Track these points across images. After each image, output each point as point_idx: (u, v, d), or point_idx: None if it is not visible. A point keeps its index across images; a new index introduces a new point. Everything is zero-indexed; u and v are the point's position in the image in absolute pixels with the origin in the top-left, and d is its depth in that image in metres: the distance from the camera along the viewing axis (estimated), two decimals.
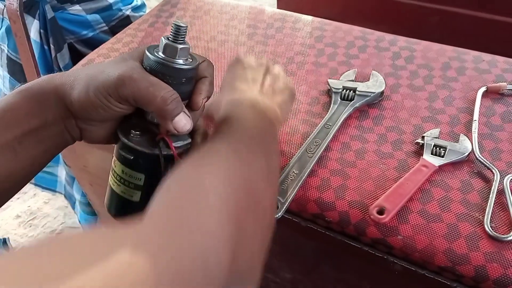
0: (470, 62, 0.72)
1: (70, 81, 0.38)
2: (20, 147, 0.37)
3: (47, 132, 0.38)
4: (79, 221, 1.26)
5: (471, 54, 0.73)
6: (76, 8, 0.98)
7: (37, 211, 1.62)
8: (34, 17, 0.93)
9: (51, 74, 0.40)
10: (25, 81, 0.99)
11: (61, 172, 1.16)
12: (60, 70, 0.97)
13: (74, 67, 0.38)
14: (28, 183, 1.24)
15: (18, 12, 0.67)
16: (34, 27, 0.93)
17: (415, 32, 0.86)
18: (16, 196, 1.69)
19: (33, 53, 0.71)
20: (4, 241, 0.58)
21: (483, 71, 0.70)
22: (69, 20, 0.98)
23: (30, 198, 1.67)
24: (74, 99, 0.37)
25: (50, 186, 1.21)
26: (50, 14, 0.93)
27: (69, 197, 1.22)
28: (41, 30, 0.94)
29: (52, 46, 0.95)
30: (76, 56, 0.99)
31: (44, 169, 1.19)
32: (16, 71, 1.00)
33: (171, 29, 0.39)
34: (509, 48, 0.83)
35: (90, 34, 1.01)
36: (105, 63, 0.38)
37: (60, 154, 1.07)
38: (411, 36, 0.79)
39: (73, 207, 1.24)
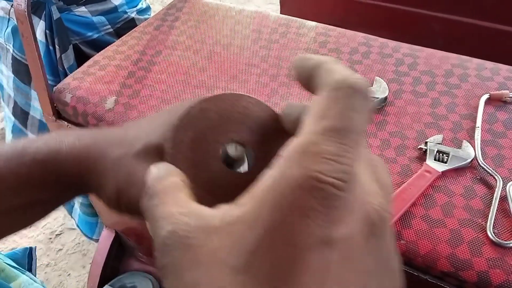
0: (473, 70, 0.72)
1: (98, 172, 0.32)
2: (30, 210, 0.34)
3: (64, 199, 0.36)
4: (77, 225, 1.26)
5: (474, 62, 0.74)
6: (82, 10, 0.99)
7: None
8: (40, 18, 0.94)
9: (75, 144, 0.33)
10: (29, 81, 1.00)
11: None
12: (64, 70, 0.97)
13: (94, 132, 0.33)
14: None
15: (26, 13, 0.67)
16: (40, 28, 0.94)
17: (418, 39, 0.87)
18: None
19: (39, 54, 0.72)
20: (30, 252, 0.57)
21: (486, 78, 0.71)
22: (75, 21, 0.99)
23: None
24: (103, 196, 0.32)
25: None
26: (56, 15, 0.94)
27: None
28: (47, 31, 0.95)
29: (57, 47, 0.96)
30: (80, 57, 0.99)
31: None
32: (21, 71, 1.00)
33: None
34: (511, 56, 0.84)
35: (95, 36, 1.02)
36: (133, 154, 0.31)
37: None
38: (414, 43, 0.80)
39: (70, 212, 1.24)
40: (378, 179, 0.22)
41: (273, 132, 0.26)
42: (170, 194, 0.21)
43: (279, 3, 1.32)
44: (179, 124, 0.26)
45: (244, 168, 0.26)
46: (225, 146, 0.25)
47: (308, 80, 0.23)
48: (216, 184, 0.24)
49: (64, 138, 0.33)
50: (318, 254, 0.17)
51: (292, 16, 0.90)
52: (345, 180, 0.18)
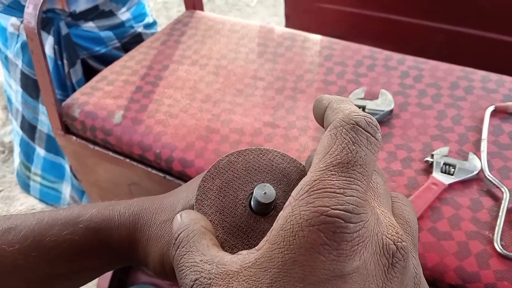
0: (478, 82, 0.73)
1: (144, 240, 0.32)
2: (76, 277, 0.34)
3: (110, 268, 0.36)
4: None
5: (479, 74, 0.74)
6: (90, 25, 1.01)
7: None
8: (49, 33, 0.95)
9: (124, 217, 0.34)
10: (37, 95, 1.01)
11: (66, 189, 1.16)
12: (72, 85, 0.99)
13: (140, 201, 0.34)
14: (34, 198, 1.23)
15: (36, 30, 0.69)
16: (48, 43, 0.95)
17: (422, 51, 0.87)
18: (24, 209, 1.70)
19: (49, 70, 0.73)
20: None
21: (491, 90, 0.71)
22: (83, 36, 1.01)
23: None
24: (150, 264, 0.33)
25: (54, 202, 1.21)
26: (64, 30, 0.95)
27: None
28: (55, 46, 0.96)
29: (65, 62, 0.97)
30: (88, 71, 1.01)
31: (49, 184, 1.19)
32: (29, 86, 1.02)
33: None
34: None
35: (103, 50, 1.04)
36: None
37: (67, 168, 1.08)
38: (418, 55, 0.80)
39: None
40: (399, 214, 0.23)
41: (298, 181, 0.27)
42: (193, 242, 0.23)
43: (283, 15, 1.33)
44: (208, 174, 0.28)
45: (268, 214, 0.27)
46: (251, 193, 0.27)
47: (322, 121, 0.24)
48: (240, 228, 0.26)
49: (116, 207, 0.34)
50: None
51: (297, 28, 0.92)
52: (353, 211, 0.18)
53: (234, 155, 0.29)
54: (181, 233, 0.23)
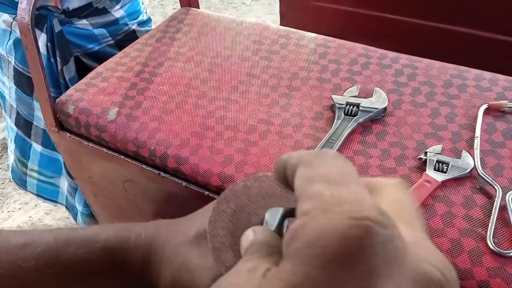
0: (472, 80, 0.73)
1: (157, 262, 0.32)
2: None
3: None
4: None
5: (472, 72, 0.75)
6: (83, 23, 1.00)
7: (38, 222, 1.62)
8: (42, 31, 0.95)
9: (139, 237, 0.33)
10: (31, 92, 1.01)
11: (63, 183, 1.16)
12: (65, 82, 0.98)
13: (154, 225, 0.34)
14: (30, 194, 1.23)
15: (30, 26, 0.68)
16: (41, 40, 0.95)
17: (417, 49, 0.88)
18: (17, 206, 1.69)
19: (43, 66, 0.73)
20: None
21: (484, 89, 0.71)
22: (76, 33, 1.00)
23: (31, 209, 1.67)
24: (161, 286, 0.33)
25: (51, 197, 1.21)
26: (57, 28, 0.95)
27: (71, 208, 1.22)
28: (48, 43, 0.96)
29: (58, 59, 0.97)
30: (82, 69, 1.00)
31: (46, 179, 1.18)
32: (22, 83, 1.01)
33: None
34: (509, 66, 0.85)
35: (96, 48, 1.03)
36: (188, 255, 0.31)
37: (63, 164, 1.07)
38: (413, 54, 0.81)
39: (75, 218, 1.25)
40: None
41: None
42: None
43: (279, 14, 1.33)
44: (223, 196, 0.28)
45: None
46: (264, 217, 0.25)
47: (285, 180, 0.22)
48: None
49: (132, 228, 0.34)
50: None
51: (292, 26, 0.92)
52: (383, 216, 0.15)
53: (250, 180, 0.28)
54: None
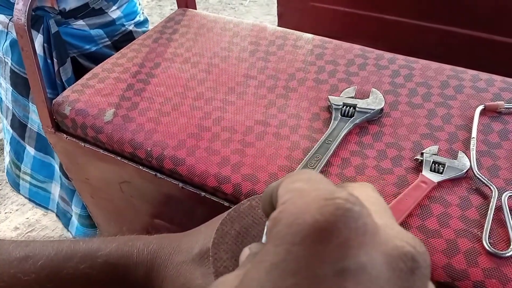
0: (468, 81, 0.73)
1: (160, 280, 0.32)
2: None
3: None
4: (74, 237, 1.25)
5: (469, 73, 0.75)
6: (80, 23, 1.00)
7: (36, 223, 1.61)
8: (38, 32, 0.95)
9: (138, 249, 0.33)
10: (27, 93, 1.00)
11: (55, 189, 1.15)
12: (62, 83, 0.98)
13: (154, 240, 0.33)
14: (23, 197, 1.21)
15: (26, 27, 0.68)
16: (38, 41, 0.95)
17: (413, 50, 0.88)
18: (15, 208, 1.69)
19: (39, 67, 0.73)
20: None
21: (481, 89, 0.71)
22: (73, 34, 1.00)
23: (28, 210, 1.66)
24: None
25: (42, 203, 1.19)
26: (54, 28, 0.95)
27: (62, 216, 1.20)
28: (45, 44, 0.95)
29: (55, 60, 0.96)
30: (78, 70, 1.00)
31: (38, 184, 1.17)
32: (19, 84, 1.01)
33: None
34: (505, 67, 0.85)
35: (93, 49, 1.03)
36: (188, 270, 0.31)
37: (57, 168, 1.07)
38: (410, 55, 0.81)
39: (67, 225, 1.23)
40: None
41: None
42: None
43: (276, 14, 1.33)
44: (227, 217, 0.27)
45: None
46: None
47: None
48: None
49: (135, 243, 0.34)
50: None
51: (289, 27, 0.92)
52: (354, 197, 0.16)
53: (256, 199, 0.27)
54: None
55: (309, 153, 0.63)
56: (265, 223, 0.26)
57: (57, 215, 1.22)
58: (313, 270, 0.15)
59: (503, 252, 0.50)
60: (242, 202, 0.27)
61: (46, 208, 1.21)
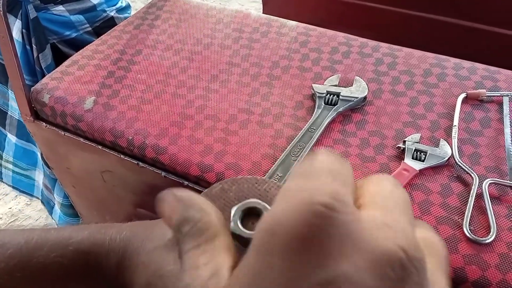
0: (451, 69, 0.73)
1: (132, 268, 0.31)
2: None
3: None
4: (58, 225, 1.24)
5: (452, 61, 0.75)
6: (60, 9, 0.97)
7: (19, 213, 1.59)
8: (16, 17, 0.92)
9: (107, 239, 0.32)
10: (6, 80, 0.98)
11: (39, 176, 1.13)
12: (42, 70, 0.96)
13: (128, 227, 0.32)
14: (6, 185, 1.19)
15: (2, 13, 0.66)
16: (16, 27, 0.92)
17: (397, 38, 0.88)
18: None
19: (16, 54, 0.71)
20: None
21: (463, 78, 0.72)
22: (52, 20, 0.98)
23: (11, 200, 1.64)
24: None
25: (27, 190, 1.18)
26: (32, 14, 0.92)
27: (46, 203, 1.19)
28: (23, 30, 0.93)
29: (34, 46, 0.94)
30: (58, 56, 0.98)
31: (22, 172, 1.15)
32: None
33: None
34: (488, 56, 0.86)
35: (74, 35, 1.01)
36: (162, 257, 0.30)
37: (39, 155, 1.05)
38: (393, 43, 0.81)
39: (51, 213, 1.22)
40: (419, 236, 0.17)
41: None
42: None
43: (261, 1, 1.32)
44: None
45: None
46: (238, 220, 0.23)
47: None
48: None
49: (108, 230, 0.33)
50: None
51: (274, 14, 0.91)
52: (337, 197, 0.15)
53: (228, 183, 0.27)
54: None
55: (292, 142, 0.62)
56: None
57: (42, 202, 1.20)
58: (297, 284, 0.14)
59: (483, 238, 0.51)
60: (213, 185, 0.27)
61: (31, 195, 1.20)
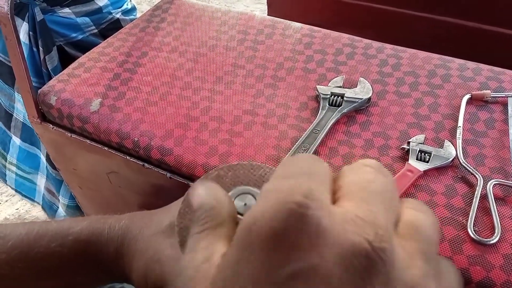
0: (455, 70, 0.73)
1: (131, 255, 0.32)
2: None
3: (97, 284, 0.35)
4: None
5: (456, 62, 0.75)
6: (66, 11, 0.98)
7: (26, 214, 1.60)
8: (23, 20, 0.93)
9: (105, 229, 0.33)
10: (12, 82, 0.99)
11: (41, 181, 1.13)
12: (48, 72, 0.97)
13: (128, 217, 0.33)
14: (11, 188, 1.19)
15: (9, 16, 0.67)
16: (23, 29, 0.93)
17: (402, 39, 0.88)
18: (4, 199, 1.67)
19: (23, 56, 0.71)
20: None
21: (468, 78, 0.72)
22: (59, 22, 0.99)
23: (18, 201, 1.65)
24: (134, 279, 0.32)
25: (29, 195, 1.18)
26: (39, 16, 0.93)
27: (48, 207, 1.19)
28: (30, 32, 0.94)
29: (41, 49, 0.95)
30: (65, 58, 0.99)
31: (24, 175, 1.16)
32: (4, 73, 0.99)
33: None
34: (493, 56, 0.85)
35: (80, 37, 1.02)
36: (159, 243, 0.31)
37: (42, 159, 1.06)
38: (398, 44, 0.81)
39: (54, 217, 1.21)
40: (406, 219, 0.19)
41: None
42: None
43: (266, 3, 1.32)
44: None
45: None
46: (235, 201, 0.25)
47: None
48: None
49: (107, 220, 0.34)
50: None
51: (279, 16, 0.91)
52: (309, 195, 0.16)
53: (223, 169, 0.27)
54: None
55: (296, 143, 0.63)
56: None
57: (43, 207, 1.21)
58: (270, 277, 0.15)
59: (488, 239, 0.51)
60: (209, 172, 0.27)
61: (32, 200, 1.20)
